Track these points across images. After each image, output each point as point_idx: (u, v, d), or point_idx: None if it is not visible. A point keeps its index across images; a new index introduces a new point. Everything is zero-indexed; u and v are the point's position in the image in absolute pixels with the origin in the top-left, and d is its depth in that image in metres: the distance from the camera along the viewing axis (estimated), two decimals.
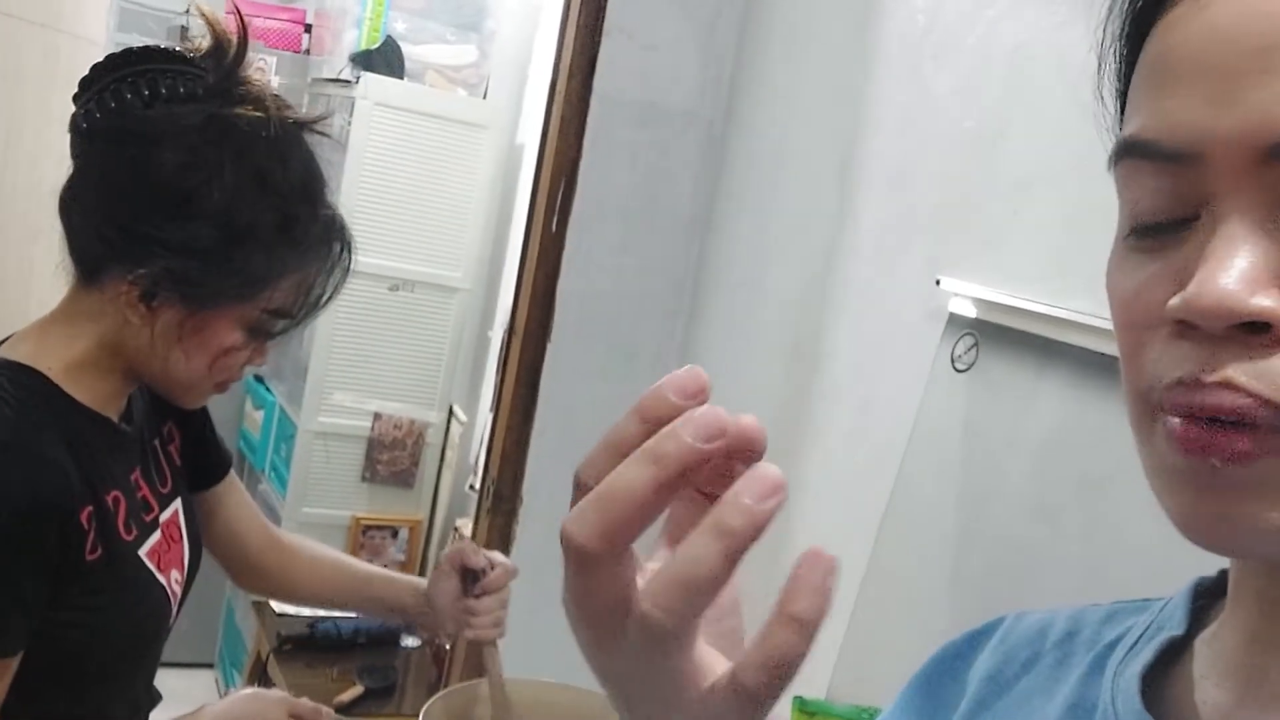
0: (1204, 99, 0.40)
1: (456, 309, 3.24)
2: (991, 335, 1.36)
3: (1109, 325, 1.31)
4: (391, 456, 3.22)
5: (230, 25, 1.09)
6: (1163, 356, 0.41)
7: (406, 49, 3.17)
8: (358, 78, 3.07)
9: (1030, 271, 1.33)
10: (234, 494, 1.38)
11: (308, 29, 3.66)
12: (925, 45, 1.57)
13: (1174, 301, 0.40)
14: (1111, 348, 1.14)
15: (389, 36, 3.16)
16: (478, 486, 2.25)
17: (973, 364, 1.38)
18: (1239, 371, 0.38)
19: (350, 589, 1.43)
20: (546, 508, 2.01)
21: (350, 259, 1.17)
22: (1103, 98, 0.49)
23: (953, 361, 1.41)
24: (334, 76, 3.22)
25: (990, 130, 1.43)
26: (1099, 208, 1.09)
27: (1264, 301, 0.38)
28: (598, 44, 1.90)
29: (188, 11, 4.55)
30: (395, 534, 3.26)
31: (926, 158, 1.55)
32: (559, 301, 1.97)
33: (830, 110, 1.76)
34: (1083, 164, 1.25)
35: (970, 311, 1.39)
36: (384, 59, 3.13)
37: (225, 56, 1.08)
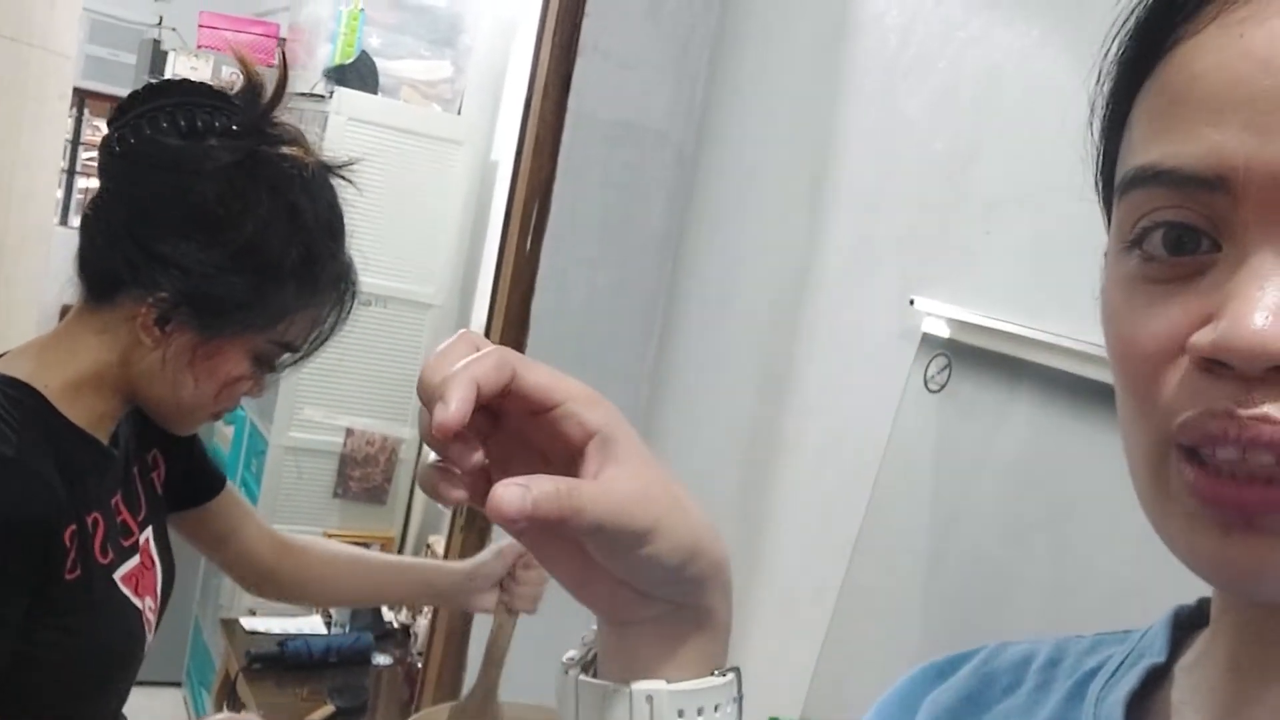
0: (1241, 127, 0.38)
1: (430, 325, 3.23)
2: (964, 356, 1.37)
3: (1079, 346, 1.31)
4: (364, 473, 3.20)
5: (257, 63, 1.13)
6: (1183, 390, 0.40)
7: (381, 64, 3.16)
8: (331, 92, 3.06)
9: (1002, 292, 1.34)
10: (236, 506, 1.38)
11: (281, 43, 3.65)
12: (897, 66, 1.58)
13: (1203, 338, 0.38)
14: (1081, 368, 1.15)
15: (363, 51, 3.15)
16: None
17: (945, 384, 1.39)
18: (1277, 410, 0.37)
19: (370, 584, 1.45)
20: None
21: (353, 303, 1.20)
22: (1092, 126, 0.47)
23: (925, 382, 1.42)
24: (308, 91, 3.21)
25: (962, 151, 1.44)
26: (1070, 228, 1.10)
27: None
28: (573, 62, 1.91)
29: (159, 23, 4.53)
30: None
31: (899, 178, 1.56)
32: (533, 319, 1.97)
33: (802, 130, 1.77)
34: (1054, 185, 1.26)
35: (943, 331, 1.39)
36: (358, 74, 3.12)
37: (260, 97, 1.11)
